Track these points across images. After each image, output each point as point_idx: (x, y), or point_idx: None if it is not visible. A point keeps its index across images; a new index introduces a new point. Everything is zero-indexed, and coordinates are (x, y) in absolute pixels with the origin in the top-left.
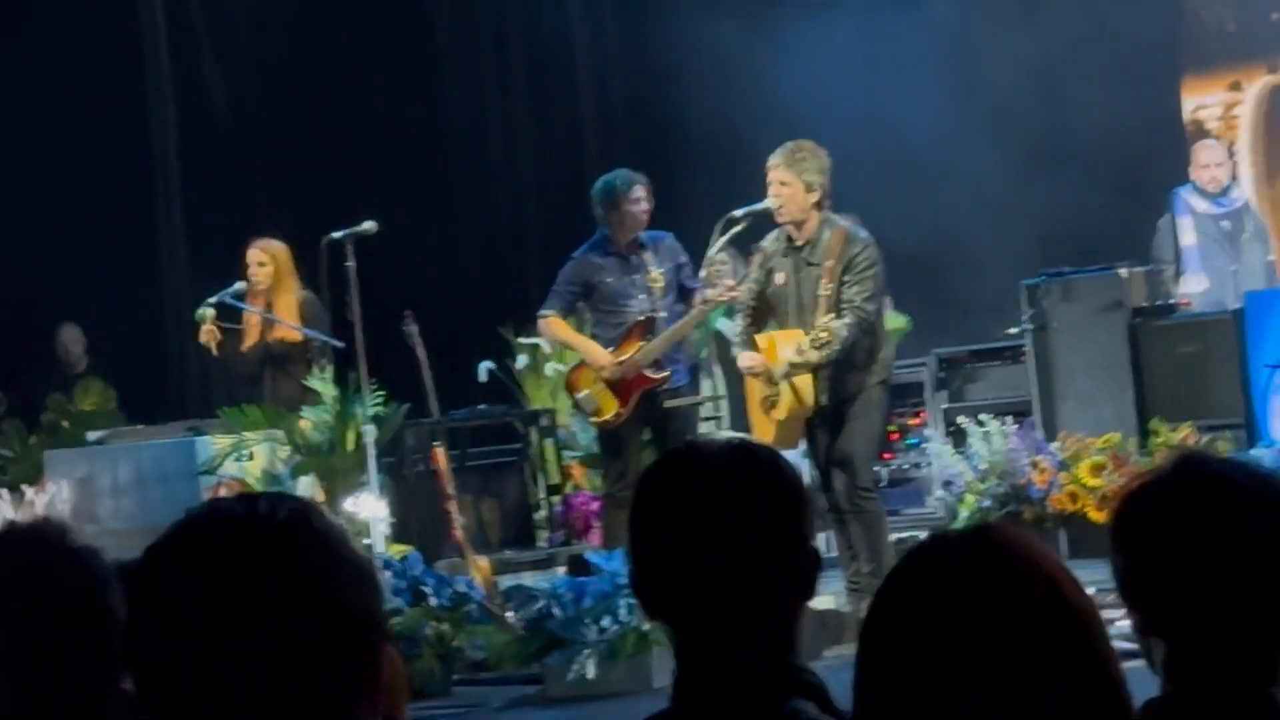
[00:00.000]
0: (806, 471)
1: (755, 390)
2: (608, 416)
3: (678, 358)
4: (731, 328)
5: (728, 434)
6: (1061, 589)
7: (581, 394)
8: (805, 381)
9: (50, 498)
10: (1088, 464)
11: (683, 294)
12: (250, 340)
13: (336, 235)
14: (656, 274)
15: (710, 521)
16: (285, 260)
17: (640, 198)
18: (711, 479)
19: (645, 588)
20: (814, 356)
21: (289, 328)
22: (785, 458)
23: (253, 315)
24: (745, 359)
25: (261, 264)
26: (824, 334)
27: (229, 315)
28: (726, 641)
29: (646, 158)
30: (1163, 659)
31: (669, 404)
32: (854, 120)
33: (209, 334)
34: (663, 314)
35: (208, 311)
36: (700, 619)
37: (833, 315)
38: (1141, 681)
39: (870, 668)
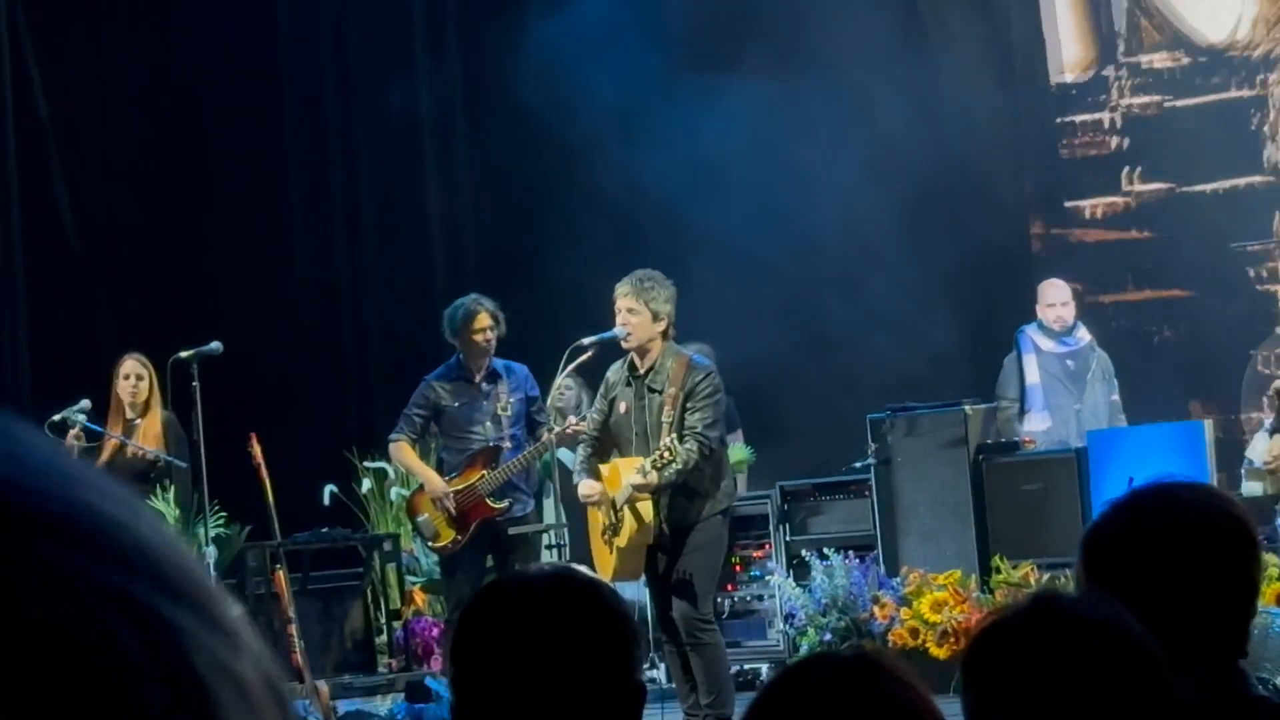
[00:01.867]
0: (648, 601)
1: (596, 520)
2: (445, 543)
3: (521, 487)
4: (572, 458)
5: (558, 563)
6: (933, 716)
7: (421, 518)
8: (646, 508)
9: None
10: (929, 599)
11: (531, 426)
12: (103, 457)
13: (183, 355)
14: (506, 403)
15: (530, 651)
16: (155, 376)
17: (485, 326)
18: (531, 609)
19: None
20: (654, 478)
21: (142, 450)
22: (611, 588)
23: (110, 432)
24: (585, 487)
25: (140, 377)
26: (666, 454)
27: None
28: None
29: (496, 282)
30: None
31: (513, 531)
32: (702, 247)
33: (76, 438)
34: (508, 444)
35: (79, 417)
36: None
37: (673, 437)
38: None
39: None
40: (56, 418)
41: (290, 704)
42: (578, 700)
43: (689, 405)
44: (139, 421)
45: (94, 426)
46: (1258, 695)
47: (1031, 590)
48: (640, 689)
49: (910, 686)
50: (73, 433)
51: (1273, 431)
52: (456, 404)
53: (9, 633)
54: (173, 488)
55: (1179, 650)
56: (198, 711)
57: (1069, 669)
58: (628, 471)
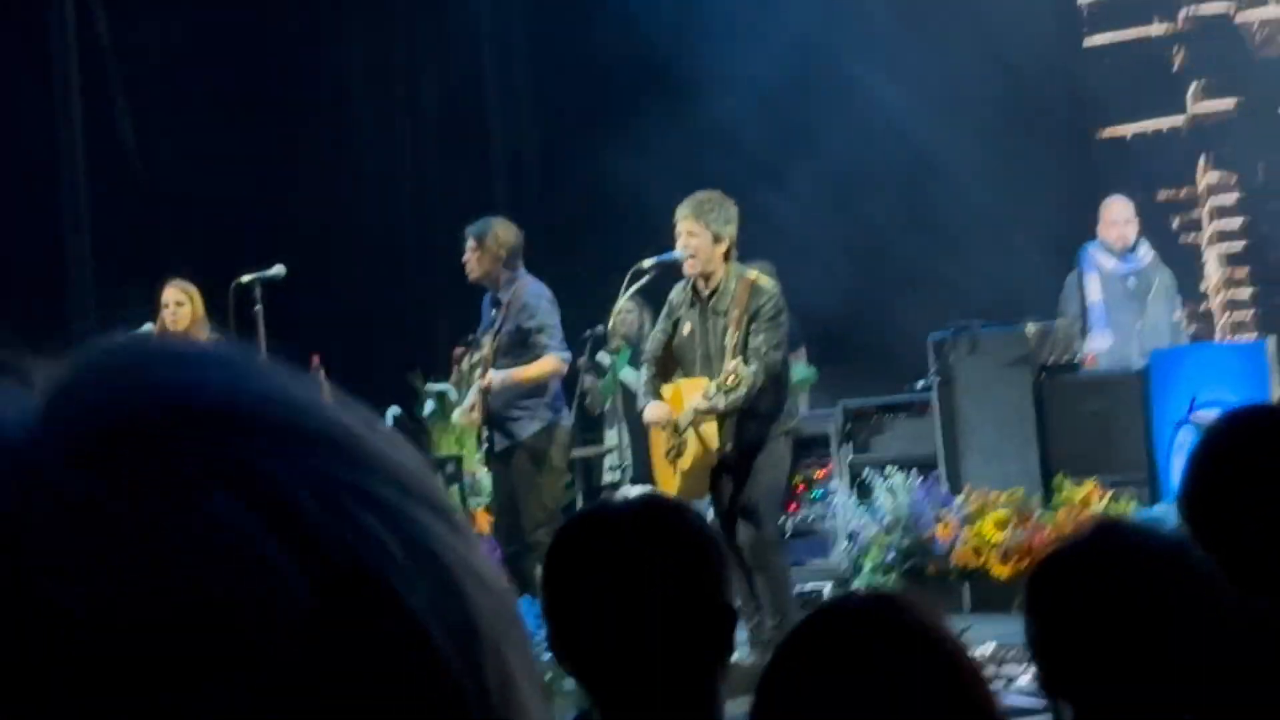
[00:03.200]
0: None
1: (659, 441)
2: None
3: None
4: (636, 378)
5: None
6: (958, 662)
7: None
8: (710, 430)
9: None
10: (992, 519)
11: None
12: None
13: (245, 279)
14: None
15: (622, 582)
16: (199, 302)
17: (467, 248)
18: (623, 539)
19: (560, 648)
20: (721, 401)
21: None
22: (697, 512)
23: None
24: (651, 411)
25: (180, 304)
26: (733, 378)
27: None
28: (644, 702)
29: (555, 207)
30: None
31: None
32: (767, 175)
33: None
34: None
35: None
36: (616, 680)
37: (739, 360)
38: None
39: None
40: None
41: (526, 623)
42: (672, 623)
43: (753, 327)
44: None
45: None
46: None
47: (1095, 516)
48: (731, 611)
49: (934, 635)
50: None
51: None
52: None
53: (273, 536)
54: None
55: (1259, 575)
56: (453, 605)
57: (1130, 597)
58: (691, 393)
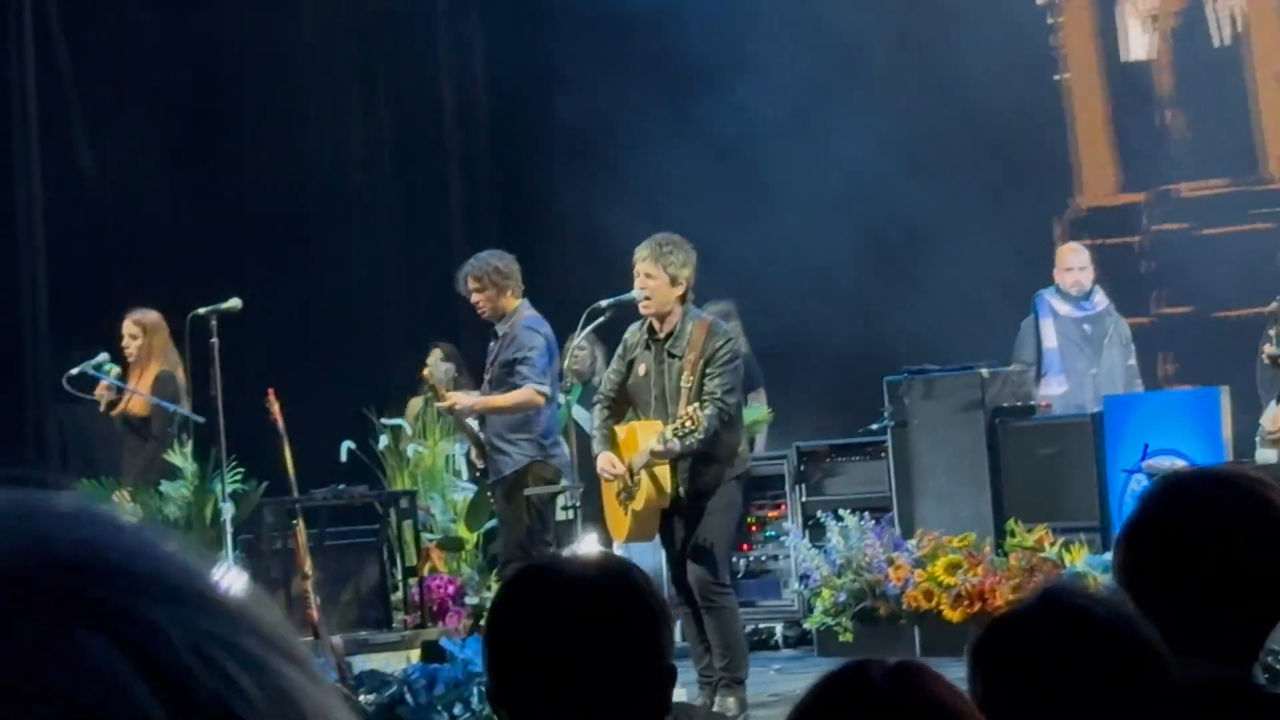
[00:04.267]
0: (663, 563)
1: (612, 482)
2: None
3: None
4: (588, 418)
5: (589, 543)
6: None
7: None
8: (664, 473)
9: None
10: (944, 562)
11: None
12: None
13: (201, 311)
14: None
15: (567, 635)
16: (155, 332)
17: (468, 289)
18: (570, 594)
19: (499, 697)
20: (677, 445)
21: (139, 397)
22: (645, 573)
23: (115, 385)
24: (604, 461)
25: (133, 336)
26: (689, 422)
27: (88, 386)
28: None
29: (512, 242)
30: None
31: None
32: (726, 217)
33: (106, 390)
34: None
35: (110, 367)
36: None
37: (695, 405)
38: None
39: None
40: (75, 371)
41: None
42: (611, 683)
43: (708, 371)
44: (140, 376)
45: (99, 374)
46: (1266, 690)
47: (1043, 581)
48: (671, 672)
49: (958, 694)
50: (103, 384)
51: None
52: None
53: (143, 681)
54: (188, 442)
55: (1196, 640)
56: None
57: (1074, 663)
58: (646, 435)
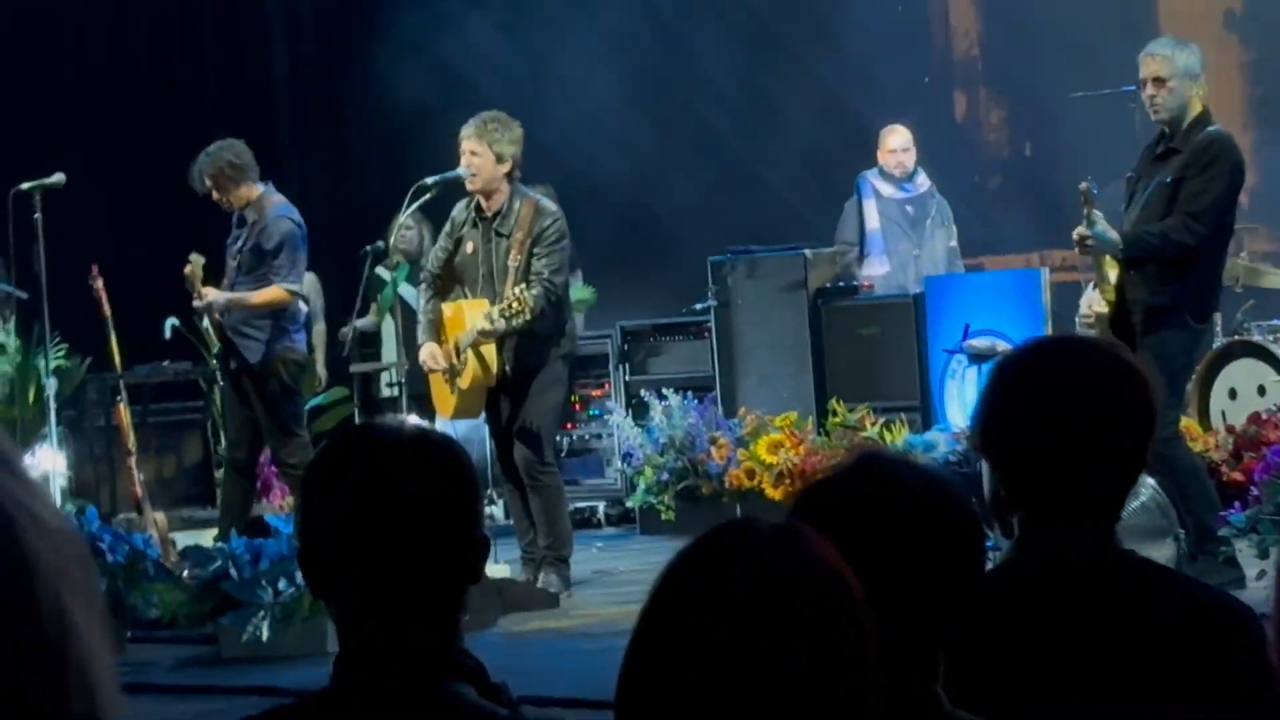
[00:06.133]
0: (486, 438)
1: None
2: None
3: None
4: (415, 295)
5: (406, 415)
6: (854, 601)
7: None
8: (490, 351)
9: None
10: (765, 441)
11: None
12: None
13: (25, 186)
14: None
15: (381, 507)
16: None
17: (205, 188)
18: (387, 464)
19: (310, 565)
20: (503, 325)
21: None
22: (461, 445)
23: None
24: (425, 353)
25: None
26: (515, 304)
27: None
28: (388, 624)
29: (337, 121)
30: None
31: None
32: (551, 93)
33: None
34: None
35: None
36: (362, 600)
37: (523, 286)
38: None
39: (645, 643)
40: None
41: (92, 560)
42: (426, 553)
43: (536, 250)
44: None
45: None
46: (1124, 550)
47: (859, 445)
48: (485, 543)
49: (834, 573)
50: None
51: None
52: None
53: None
54: (10, 318)
55: (1058, 502)
56: (6, 544)
57: (886, 528)
58: (473, 314)
